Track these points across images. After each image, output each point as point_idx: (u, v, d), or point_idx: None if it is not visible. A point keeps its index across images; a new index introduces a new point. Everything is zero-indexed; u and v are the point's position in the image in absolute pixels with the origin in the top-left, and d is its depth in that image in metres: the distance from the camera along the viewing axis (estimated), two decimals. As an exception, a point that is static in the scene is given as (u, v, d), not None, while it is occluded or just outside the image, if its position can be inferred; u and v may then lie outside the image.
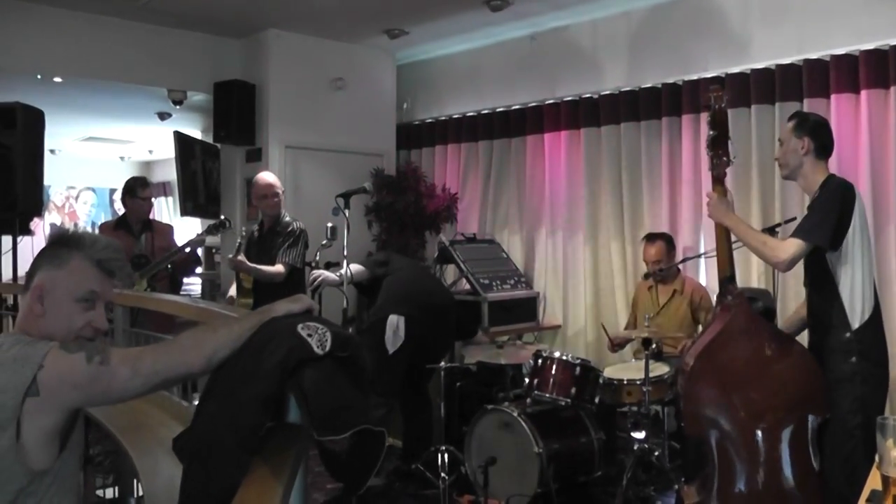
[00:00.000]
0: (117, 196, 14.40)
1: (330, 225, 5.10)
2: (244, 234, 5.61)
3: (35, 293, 2.07)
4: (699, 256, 6.02)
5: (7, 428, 1.88)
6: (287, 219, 5.68)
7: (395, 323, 5.11)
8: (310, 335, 1.84)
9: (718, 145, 3.69)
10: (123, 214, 6.24)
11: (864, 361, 3.46)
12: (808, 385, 3.48)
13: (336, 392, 1.84)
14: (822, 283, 3.58)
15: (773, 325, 3.76)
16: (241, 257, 5.52)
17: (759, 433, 3.47)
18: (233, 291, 5.84)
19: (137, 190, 6.17)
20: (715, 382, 3.52)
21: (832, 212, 3.51)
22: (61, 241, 2.11)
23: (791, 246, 3.53)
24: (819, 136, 3.68)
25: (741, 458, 3.47)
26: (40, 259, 2.10)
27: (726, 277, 3.68)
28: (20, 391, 1.87)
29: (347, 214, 4.52)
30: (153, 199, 6.39)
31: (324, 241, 5.09)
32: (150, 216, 6.36)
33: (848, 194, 3.56)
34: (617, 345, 5.82)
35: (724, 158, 3.69)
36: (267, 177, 5.80)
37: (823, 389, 3.46)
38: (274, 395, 1.84)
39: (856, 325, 3.48)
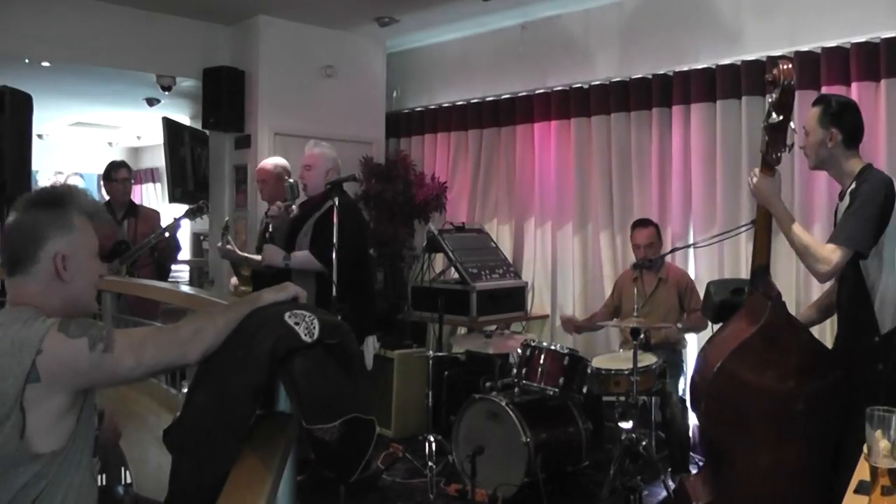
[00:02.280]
0: (105, 182, 14.38)
1: (289, 182, 5.15)
2: (267, 217, 5.53)
3: (57, 262, 2.03)
4: (688, 247, 6.00)
5: (10, 416, 1.85)
6: (293, 207, 5.67)
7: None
8: (297, 323, 1.83)
9: (780, 131, 3.30)
10: (108, 201, 6.20)
11: (890, 370, 3.21)
12: (840, 401, 3.29)
13: (326, 380, 1.84)
14: (852, 283, 3.33)
15: (810, 333, 3.50)
16: (231, 246, 5.48)
17: (786, 441, 3.30)
18: (236, 279, 5.84)
19: (111, 172, 6.16)
20: (744, 385, 3.30)
21: (874, 215, 3.22)
22: (54, 203, 2.07)
23: (834, 255, 3.22)
24: (847, 123, 3.39)
25: (762, 464, 3.31)
26: (40, 228, 2.04)
27: (760, 267, 3.42)
28: (20, 379, 1.85)
29: (337, 203, 4.49)
30: (132, 181, 6.32)
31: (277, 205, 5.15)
32: (138, 202, 6.33)
33: (890, 193, 3.27)
34: (575, 328, 5.86)
35: (783, 146, 3.33)
36: (262, 162, 5.85)
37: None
38: (264, 384, 1.84)
39: (885, 329, 3.24)
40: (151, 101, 8.99)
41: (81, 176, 14.15)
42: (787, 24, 5.70)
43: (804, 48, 5.57)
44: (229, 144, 7.60)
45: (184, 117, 9.69)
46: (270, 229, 5.44)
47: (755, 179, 3.40)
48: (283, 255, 4.96)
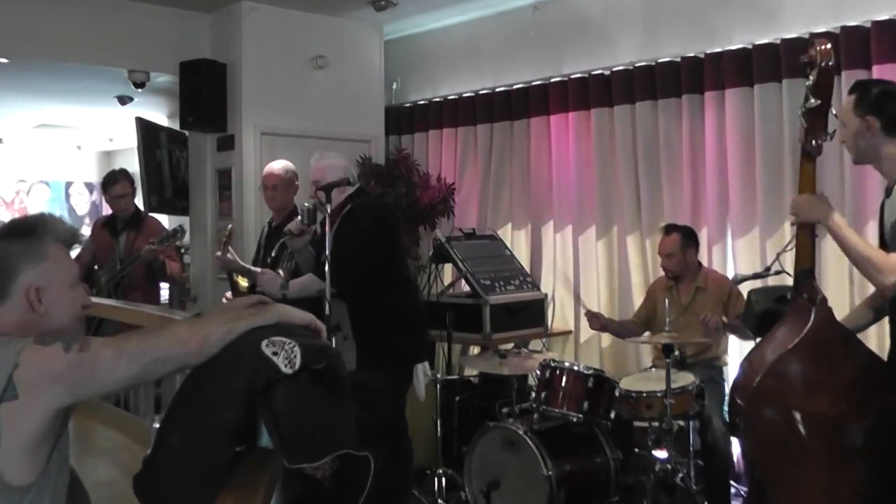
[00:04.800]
0: (74, 190, 14.44)
1: (307, 205, 4.94)
2: (285, 235, 5.41)
3: (30, 296, 2.09)
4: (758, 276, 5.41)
5: None
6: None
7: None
8: (275, 353, 1.82)
9: (819, 116, 3.31)
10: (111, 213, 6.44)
11: None
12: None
13: (311, 412, 1.83)
14: None
15: (863, 345, 3.47)
16: (232, 255, 5.42)
17: (840, 473, 3.21)
18: (230, 294, 5.79)
19: (107, 187, 6.37)
20: (787, 407, 3.25)
21: None
22: (26, 232, 2.14)
23: None
24: (887, 109, 3.35)
25: (812, 498, 3.24)
26: (11, 259, 2.10)
27: (803, 270, 3.39)
28: None
29: (329, 210, 4.48)
30: (132, 194, 6.44)
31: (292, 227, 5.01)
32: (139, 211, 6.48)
33: None
34: (602, 326, 5.88)
35: (823, 134, 3.33)
36: (270, 165, 5.80)
37: None
38: (241, 423, 1.83)
39: None
40: (123, 100, 9.02)
41: (47, 184, 14.21)
42: (831, -4, 5.67)
43: (852, 23, 5.54)
44: (211, 146, 7.61)
45: (160, 116, 9.71)
46: (286, 247, 5.26)
47: (798, 200, 3.39)
48: (281, 282, 4.87)
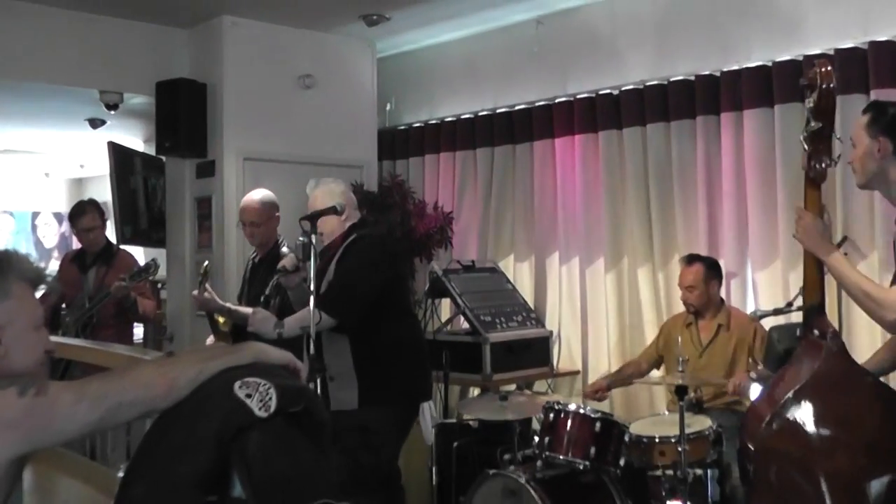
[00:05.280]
0: (41, 220, 14.44)
1: (301, 240, 4.82)
2: (278, 273, 5.38)
3: None
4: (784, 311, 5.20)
5: None
6: (284, 248, 5.67)
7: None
8: (249, 395, 1.84)
9: (821, 140, 3.39)
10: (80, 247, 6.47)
11: None
12: None
13: (287, 458, 1.84)
14: None
15: (879, 381, 3.46)
16: (209, 293, 5.43)
17: None
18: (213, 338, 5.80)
19: (74, 219, 6.41)
20: (795, 449, 3.26)
21: None
22: None
23: None
24: None
25: None
26: None
27: (813, 306, 3.45)
28: None
29: (315, 241, 4.50)
30: (102, 227, 6.50)
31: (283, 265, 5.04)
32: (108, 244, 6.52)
33: None
34: (594, 393, 5.92)
35: (827, 158, 3.40)
36: (247, 199, 5.85)
37: None
38: (211, 471, 1.83)
39: None
40: (95, 123, 9.06)
41: (12, 214, 14.21)
42: (859, 10, 5.69)
43: (880, 38, 5.59)
44: (189, 172, 7.63)
45: (136, 140, 9.75)
46: (280, 285, 5.29)
47: (801, 221, 3.45)
48: (275, 321, 4.86)
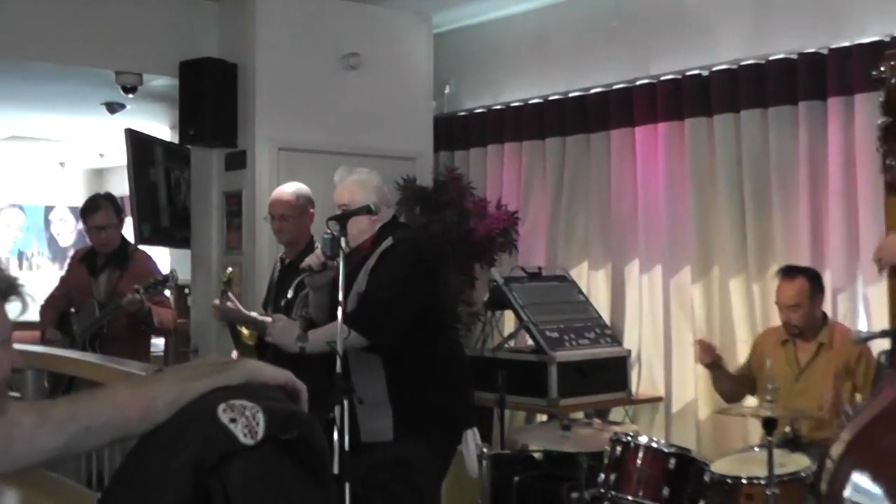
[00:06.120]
0: (55, 216, 14.59)
1: (328, 233, 4.74)
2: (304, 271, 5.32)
3: None
4: None
5: None
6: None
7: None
8: (233, 420, 1.85)
9: (893, 135, 3.51)
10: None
11: None
12: None
13: (276, 490, 1.86)
14: None
15: None
16: (234, 303, 5.49)
17: None
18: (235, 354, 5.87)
19: (86, 214, 6.44)
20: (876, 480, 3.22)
21: None
22: None
23: None
24: None
25: None
26: None
27: None
28: None
29: (345, 245, 4.52)
30: (118, 225, 6.52)
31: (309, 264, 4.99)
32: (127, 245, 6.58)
33: None
34: (713, 361, 5.92)
35: None
36: (278, 190, 5.90)
37: None
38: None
39: None
40: (113, 107, 9.13)
41: (21, 208, 14.36)
42: None
43: None
44: (217, 164, 7.73)
45: (161, 128, 9.85)
46: (303, 287, 5.28)
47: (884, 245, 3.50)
48: (299, 332, 4.76)
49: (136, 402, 1.96)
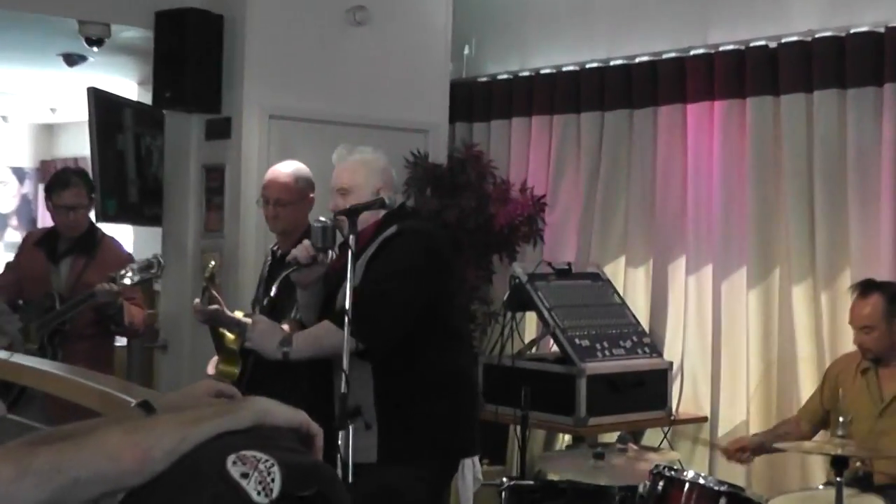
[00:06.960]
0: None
1: (321, 221, 4.76)
2: (291, 264, 5.23)
3: None
4: None
5: None
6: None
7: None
8: (245, 475, 1.84)
9: None
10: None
11: None
12: None
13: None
14: None
15: None
16: (218, 304, 5.42)
17: None
18: (215, 363, 5.81)
19: (53, 191, 6.36)
20: None
21: None
22: None
23: None
24: None
25: None
26: None
27: None
28: None
29: (353, 242, 4.48)
30: (87, 206, 6.48)
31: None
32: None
33: None
34: (736, 452, 5.89)
35: None
36: (274, 170, 5.87)
37: None
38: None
39: None
40: (72, 59, 9.11)
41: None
42: None
43: None
44: (197, 132, 7.71)
45: (127, 83, 9.84)
46: (290, 284, 5.24)
47: None
48: (282, 337, 4.70)
49: (130, 451, 1.94)
